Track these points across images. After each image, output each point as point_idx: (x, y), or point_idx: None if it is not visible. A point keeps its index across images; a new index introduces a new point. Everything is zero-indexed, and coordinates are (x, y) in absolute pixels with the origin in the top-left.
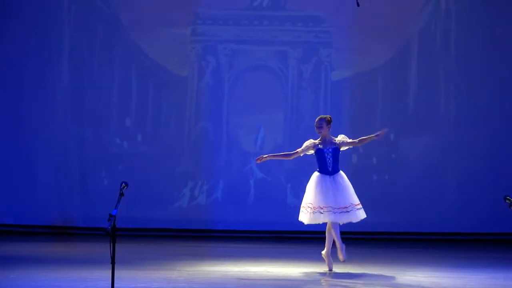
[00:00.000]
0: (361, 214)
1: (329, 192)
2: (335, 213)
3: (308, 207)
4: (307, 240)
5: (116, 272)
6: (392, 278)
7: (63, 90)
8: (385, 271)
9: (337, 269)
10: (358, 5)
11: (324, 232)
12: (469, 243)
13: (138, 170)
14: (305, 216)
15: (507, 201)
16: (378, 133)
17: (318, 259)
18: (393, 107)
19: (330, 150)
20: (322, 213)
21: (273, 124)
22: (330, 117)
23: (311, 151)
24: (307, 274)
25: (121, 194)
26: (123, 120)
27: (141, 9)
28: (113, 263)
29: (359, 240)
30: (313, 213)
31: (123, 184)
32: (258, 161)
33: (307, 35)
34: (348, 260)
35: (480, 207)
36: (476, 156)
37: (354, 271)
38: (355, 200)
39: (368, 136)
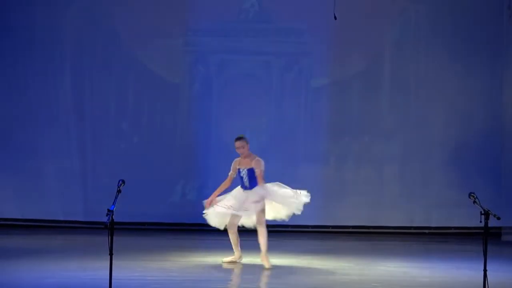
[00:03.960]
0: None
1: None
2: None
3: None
4: (288, 233)
5: (114, 262)
6: (365, 268)
7: (66, 95)
8: (358, 263)
9: (307, 260)
10: (335, 18)
11: (306, 226)
12: (436, 236)
13: (134, 169)
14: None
15: (471, 197)
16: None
17: (299, 250)
18: (367, 112)
19: (245, 170)
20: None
21: (258, 128)
22: (243, 136)
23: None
24: (288, 263)
25: (119, 191)
26: (120, 124)
27: (137, 22)
28: (111, 254)
29: (333, 234)
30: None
31: (121, 182)
32: (208, 206)
33: (289, 46)
34: (323, 252)
35: (447, 202)
36: (444, 156)
37: (328, 263)
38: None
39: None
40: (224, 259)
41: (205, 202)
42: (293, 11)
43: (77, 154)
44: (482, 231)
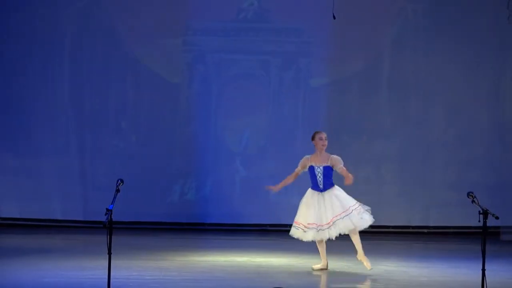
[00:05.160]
0: (351, 222)
1: (313, 209)
2: (318, 230)
3: (296, 223)
4: (287, 232)
5: (112, 261)
6: (363, 268)
7: (65, 94)
8: (357, 262)
9: (305, 260)
10: (334, 18)
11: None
12: (435, 236)
13: (133, 169)
14: (295, 232)
15: (470, 197)
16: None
17: (297, 249)
18: (366, 111)
19: (321, 168)
20: (305, 231)
21: (257, 127)
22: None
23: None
24: (287, 262)
25: (117, 190)
26: (120, 123)
27: (136, 21)
28: (109, 253)
29: None
30: (299, 230)
31: (119, 181)
32: (274, 189)
33: (288, 45)
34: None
35: (446, 202)
36: (442, 156)
37: (329, 262)
38: (339, 210)
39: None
40: (313, 266)
41: (269, 187)
42: (292, 10)
43: (76, 153)
44: (481, 230)
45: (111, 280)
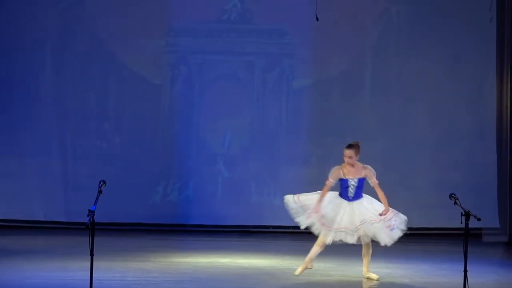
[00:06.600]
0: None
1: (339, 212)
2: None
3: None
4: (269, 234)
5: (94, 263)
6: (346, 269)
7: (47, 95)
8: (339, 263)
9: (288, 261)
10: (317, 19)
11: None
12: (417, 237)
13: (115, 170)
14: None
15: (452, 198)
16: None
17: (280, 251)
18: (349, 113)
19: (355, 180)
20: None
21: (240, 128)
22: (358, 146)
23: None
24: (269, 264)
25: (100, 192)
26: (102, 124)
27: (118, 22)
28: (92, 254)
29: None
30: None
31: (102, 182)
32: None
33: (271, 47)
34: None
35: (429, 203)
36: (425, 157)
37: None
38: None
39: (384, 201)
40: (295, 272)
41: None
42: (275, 12)
43: (58, 154)
44: (463, 232)
45: (94, 282)
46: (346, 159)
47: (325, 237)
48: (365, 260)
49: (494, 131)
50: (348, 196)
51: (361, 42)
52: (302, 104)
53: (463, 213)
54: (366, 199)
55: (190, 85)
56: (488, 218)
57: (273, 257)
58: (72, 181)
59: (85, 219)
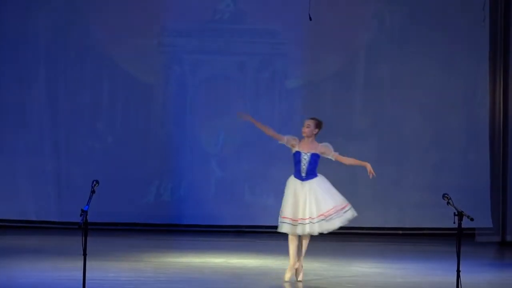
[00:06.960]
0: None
1: (299, 202)
2: (306, 224)
3: (283, 217)
4: (262, 234)
5: (87, 263)
6: (338, 269)
7: (40, 95)
8: (332, 263)
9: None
10: (310, 19)
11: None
12: (410, 237)
13: (108, 169)
14: (283, 227)
15: (445, 198)
16: (369, 169)
17: (273, 251)
18: (341, 113)
19: (308, 155)
20: (295, 225)
21: (233, 128)
22: (320, 121)
23: (291, 147)
24: (262, 264)
25: (93, 191)
26: (95, 124)
27: (112, 22)
28: (85, 254)
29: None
30: (286, 224)
31: (95, 182)
32: (243, 118)
33: (264, 47)
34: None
35: (422, 203)
36: (418, 157)
37: (304, 264)
38: (329, 206)
39: (356, 161)
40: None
41: (241, 114)
42: (268, 12)
43: (51, 154)
44: (456, 232)
45: (87, 281)
46: (303, 129)
47: (286, 230)
48: (301, 257)
49: (487, 131)
50: (301, 175)
51: (354, 42)
52: (295, 104)
53: (456, 213)
54: (319, 178)
55: (183, 85)
56: (481, 218)
57: (266, 257)
58: (65, 181)
59: (78, 219)
